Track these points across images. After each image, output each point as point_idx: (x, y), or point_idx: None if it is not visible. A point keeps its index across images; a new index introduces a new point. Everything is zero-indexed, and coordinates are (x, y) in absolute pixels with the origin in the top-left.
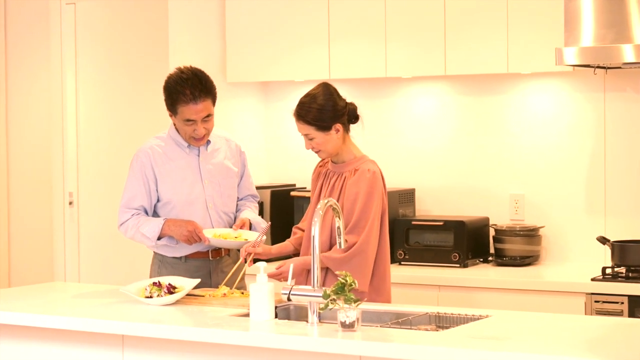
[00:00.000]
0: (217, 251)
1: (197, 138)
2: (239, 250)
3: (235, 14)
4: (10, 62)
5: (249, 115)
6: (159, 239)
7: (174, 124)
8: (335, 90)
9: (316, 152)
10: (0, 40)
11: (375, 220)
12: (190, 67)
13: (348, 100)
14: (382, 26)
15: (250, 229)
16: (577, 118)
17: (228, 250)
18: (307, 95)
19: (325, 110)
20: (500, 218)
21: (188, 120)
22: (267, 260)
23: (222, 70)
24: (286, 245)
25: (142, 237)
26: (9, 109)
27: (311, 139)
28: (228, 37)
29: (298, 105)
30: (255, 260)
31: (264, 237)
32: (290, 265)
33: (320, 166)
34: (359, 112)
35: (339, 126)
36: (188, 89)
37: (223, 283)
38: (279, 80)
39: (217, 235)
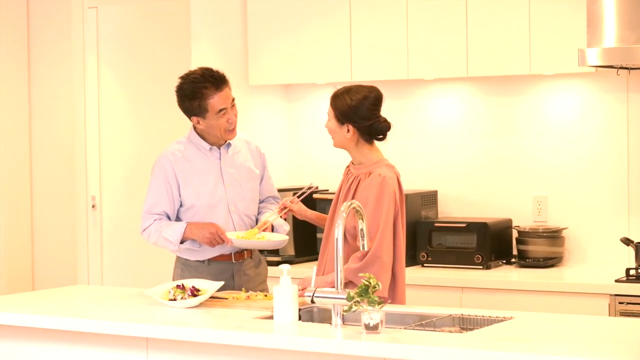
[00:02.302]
0: (239, 254)
1: (231, 129)
2: (261, 252)
3: (257, 17)
4: (32, 65)
5: (271, 118)
6: (181, 242)
7: (200, 129)
8: (379, 100)
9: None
10: (23, 44)
11: (387, 225)
12: (192, 70)
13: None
14: (404, 28)
15: (272, 231)
16: (600, 119)
17: (250, 253)
18: (353, 87)
19: (349, 108)
20: (523, 219)
21: (220, 110)
22: (291, 263)
23: (244, 73)
24: (318, 216)
25: (165, 242)
26: (31, 112)
27: (328, 120)
28: (250, 40)
29: (340, 88)
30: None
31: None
32: (314, 267)
33: (348, 166)
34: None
35: (351, 128)
36: (207, 82)
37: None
38: (301, 82)
39: (239, 237)
